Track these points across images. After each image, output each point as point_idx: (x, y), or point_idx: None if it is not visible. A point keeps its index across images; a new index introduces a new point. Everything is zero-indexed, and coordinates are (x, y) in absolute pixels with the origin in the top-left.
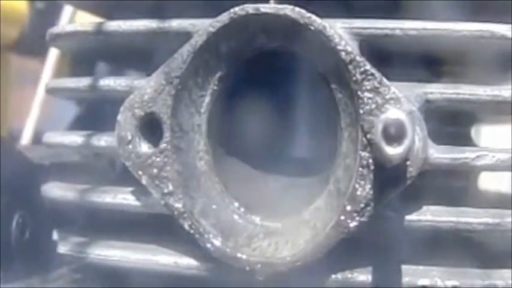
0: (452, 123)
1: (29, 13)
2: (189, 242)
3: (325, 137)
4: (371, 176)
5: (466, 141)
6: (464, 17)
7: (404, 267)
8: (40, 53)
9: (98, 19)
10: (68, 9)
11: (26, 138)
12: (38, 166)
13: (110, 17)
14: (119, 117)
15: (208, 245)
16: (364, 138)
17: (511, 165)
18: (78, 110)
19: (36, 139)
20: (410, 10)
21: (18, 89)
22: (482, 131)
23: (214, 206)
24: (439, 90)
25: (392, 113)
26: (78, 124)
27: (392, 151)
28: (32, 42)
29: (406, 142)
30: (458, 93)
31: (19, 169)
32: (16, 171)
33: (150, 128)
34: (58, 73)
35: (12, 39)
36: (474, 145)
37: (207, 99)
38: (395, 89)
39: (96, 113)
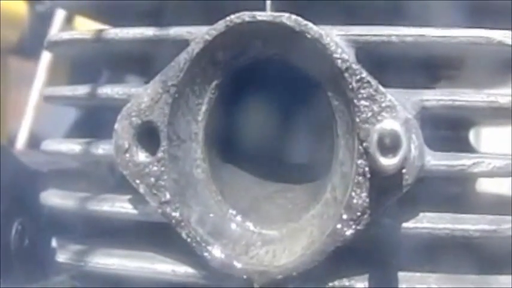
0: (449, 129)
1: (29, 16)
2: (186, 250)
3: (321, 145)
4: (367, 184)
5: (463, 146)
6: (464, 23)
7: (401, 274)
8: (40, 55)
9: (97, 25)
10: (60, 15)
11: (20, 142)
12: (37, 173)
13: (108, 22)
14: (116, 125)
15: (206, 253)
16: (360, 147)
17: (508, 172)
18: (76, 116)
19: (32, 143)
20: (409, 15)
21: (18, 92)
22: (482, 133)
23: (211, 215)
24: (435, 97)
25: (388, 124)
26: (75, 130)
27: (387, 162)
28: (32, 45)
29: (401, 153)
30: (455, 100)
31: (18, 176)
32: (15, 178)
33: (147, 136)
34: (55, 78)
35: (12, 42)
36: (472, 150)
37: (204, 107)
38: (391, 96)
39: (93, 120)
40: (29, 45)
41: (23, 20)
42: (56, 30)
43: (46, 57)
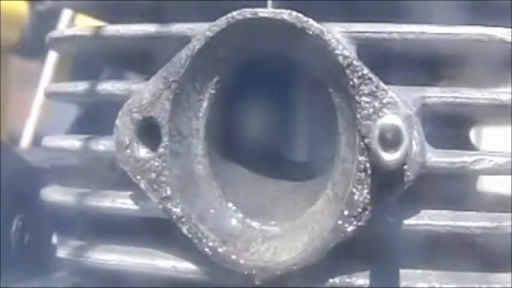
0: (450, 126)
1: (29, 15)
2: (187, 246)
3: (323, 142)
4: (368, 180)
5: (464, 144)
6: (466, 20)
7: (402, 271)
8: (41, 55)
9: (99, 23)
10: (67, 13)
11: (25, 141)
12: (37, 169)
13: (110, 20)
14: (117, 121)
15: (207, 249)
16: (361, 143)
17: (509, 169)
18: (78, 113)
19: (37, 141)
20: (411, 12)
21: (19, 91)
22: (484, 133)
23: (212, 211)
24: (436, 94)
25: (389, 119)
26: (78, 127)
27: (389, 157)
28: (33, 44)
29: (403, 148)
30: (456, 97)
31: (19, 172)
32: (16, 174)
33: (149, 132)
34: (59, 75)
35: (13, 41)
36: (473, 148)
37: (205, 103)
38: (392, 93)
39: (95, 116)
40: (30, 45)
41: (23, 19)
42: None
43: (52, 56)
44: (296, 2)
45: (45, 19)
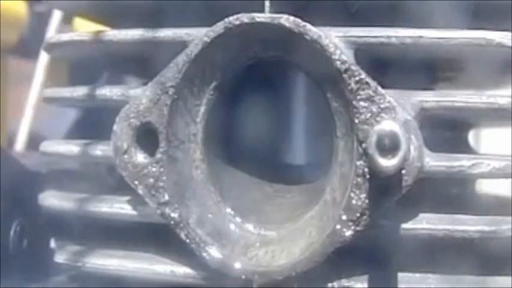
0: (449, 130)
1: (28, 16)
2: (185, 251)
3: (321, 146)
4: (367, 185)
5: (462, 147)
6: (464, 24)
7: (400, 274)
8: (40, 55)
9: (96, 26)
10: (57, 16)
11: (20, 143)
12: (35, 174)
13: (105, 23)
14: (115, 127)
15: (205, 254)
16: (359, 148)
17: (507, 173)
18: (75, 117)
19: (31, 143)
20: (409, 17)
21: (18, 92)
22: (482, 134)
23: (210, 215)
24: (434, 98)
25: (387, 125)
26: (74, 131)
27: (386, 163)
28: (32, 45)
29: (400, 154)
30: (454, 101)
31: (17, 177)
32: (14, 179)
33: (146, 137)
34: (56, 79)
35: (12, 42)
36: (471, 151)
37: (203, 108)
38: (390, 97)
39: (92, 121)
40: (29, 45)
41: (22, 20)
42: (53, 31)
43: (44, 57)
44: (294, 7)
45: (44, 20)
